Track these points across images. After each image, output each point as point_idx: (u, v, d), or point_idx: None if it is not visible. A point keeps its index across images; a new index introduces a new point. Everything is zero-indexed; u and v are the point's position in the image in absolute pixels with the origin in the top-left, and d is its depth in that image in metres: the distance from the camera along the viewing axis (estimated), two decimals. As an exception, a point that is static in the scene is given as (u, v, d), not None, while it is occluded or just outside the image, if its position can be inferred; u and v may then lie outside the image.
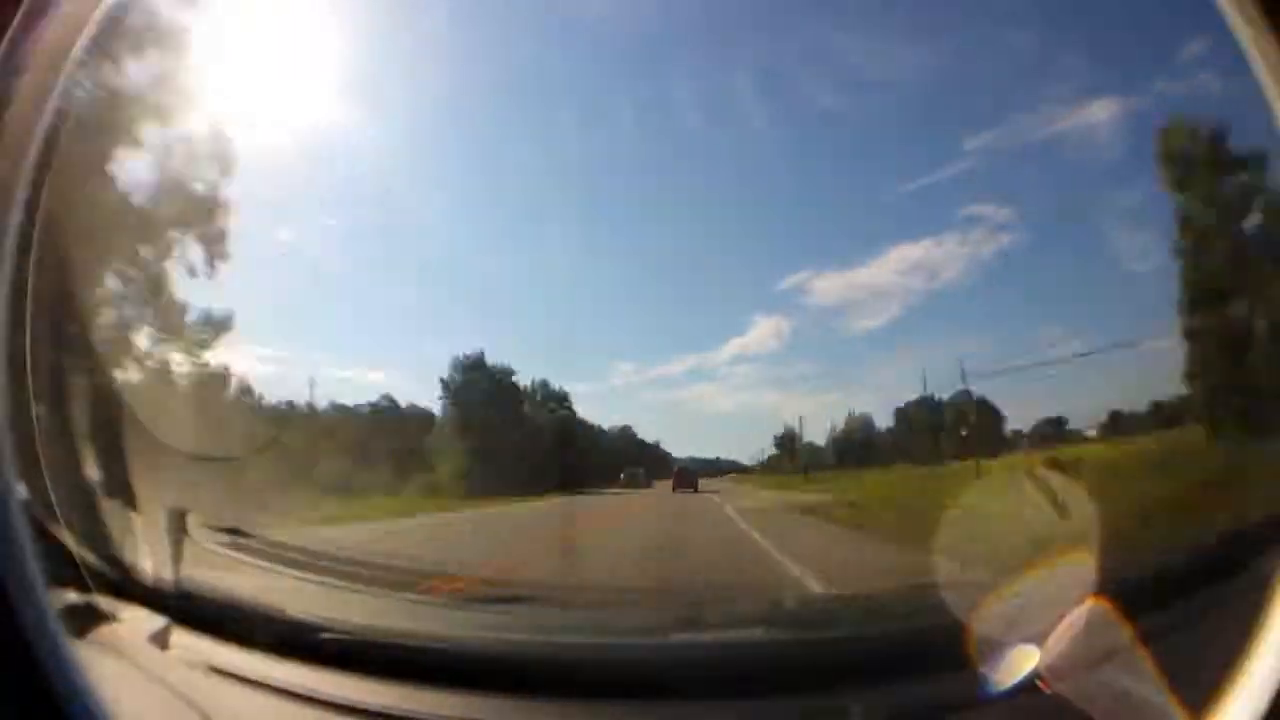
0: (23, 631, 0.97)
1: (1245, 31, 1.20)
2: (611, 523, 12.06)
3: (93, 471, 2.52)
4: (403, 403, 18.94)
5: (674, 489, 19.76)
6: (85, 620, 1.62)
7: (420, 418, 18.58)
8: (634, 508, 14.89)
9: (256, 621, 1.79)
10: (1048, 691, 1.34)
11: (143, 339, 12.05)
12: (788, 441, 21.47)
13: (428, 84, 16.44)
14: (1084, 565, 1.67)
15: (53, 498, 1.65)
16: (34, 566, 1.01)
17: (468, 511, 14.03)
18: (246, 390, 14.09)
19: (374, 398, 18.61)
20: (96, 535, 2.00)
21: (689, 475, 20.61)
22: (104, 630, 1.66)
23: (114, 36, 1.33)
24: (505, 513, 14.02)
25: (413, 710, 1.45)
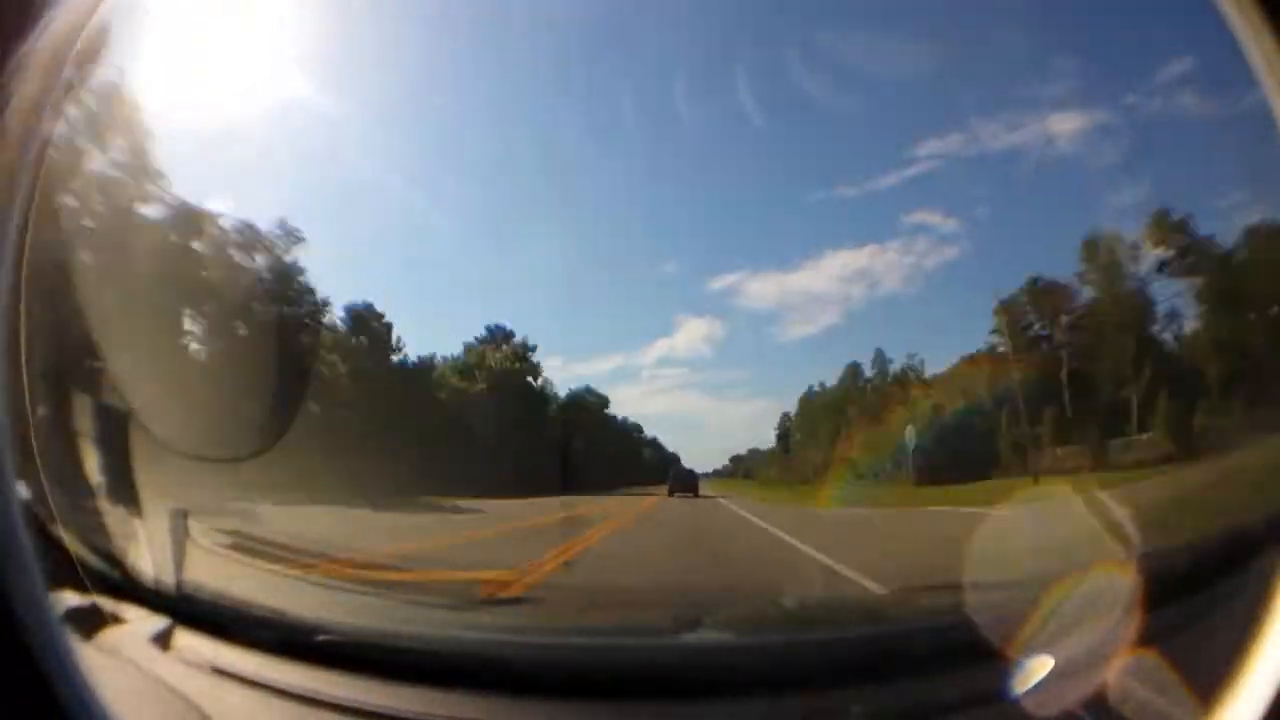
0: (23, 632, 0.96)
1: (1245, 31, 1.20)
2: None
3: (93, 471, 2.52)
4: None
5: (670, 493, 19.16)
6: (87, 621, 1.62)
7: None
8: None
9: (259, 622, 1.78)
10: (1047, 691, 1.34)
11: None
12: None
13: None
14: (1085, 566, 1.67)
15: (53, 498, 1.65)
16: (34, 567, 1.01)
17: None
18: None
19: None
20: (97, 536, 2.00)
21: (689, 478, 19.85)
22: (105, 631, 1.66)
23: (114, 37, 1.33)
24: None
25: (415, 711, 1.44)
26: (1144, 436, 16.25)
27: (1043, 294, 19.28)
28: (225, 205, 18.04)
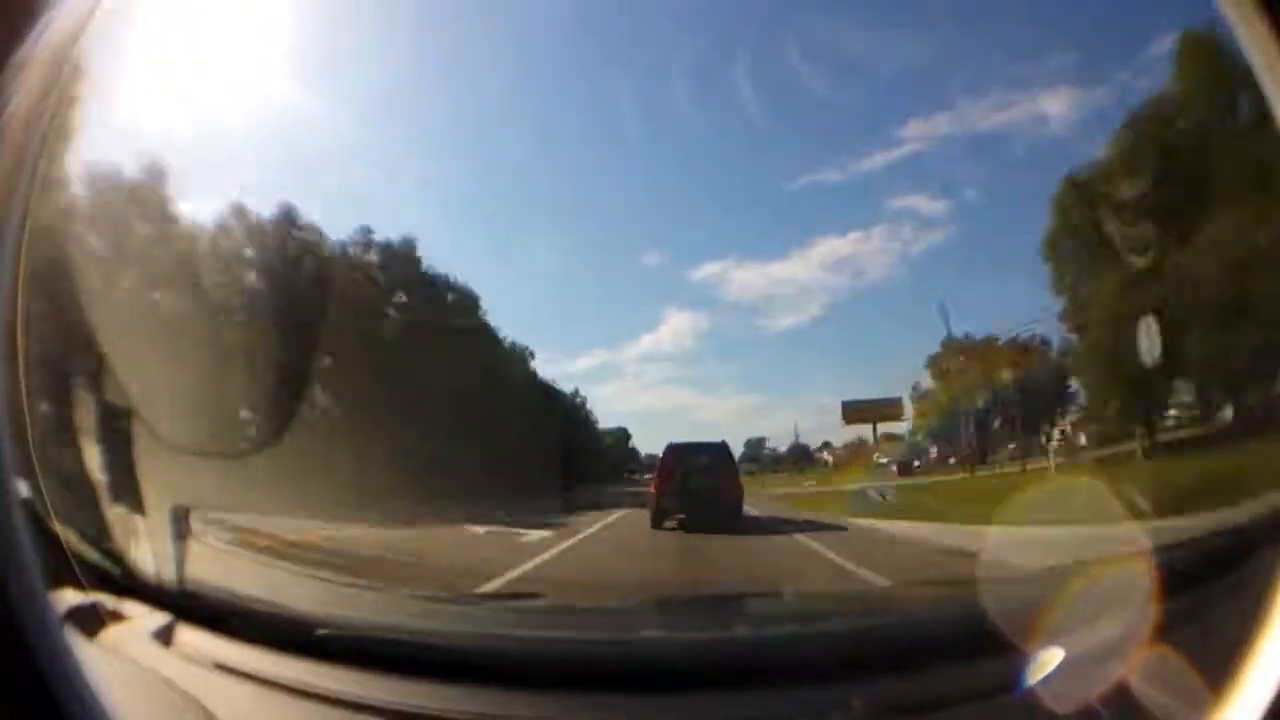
0: (23, 632, 0.96)
1: (1245, 31, 1.20)
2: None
3: (93, 469, 2.52)
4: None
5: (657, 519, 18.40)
6: (87, 619, 1.62)
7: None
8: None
9: (261, 618, 1.78)
10: (1048, 687, 1.35)
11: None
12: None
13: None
14: (1085, 564, 1.67)
15: (52, 495, 1.65)
16: (34, 566, 1.01)
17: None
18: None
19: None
20: (98, 533, 2.00)
21: (709, 479, 19.29)
22: (106, 629, 1.66)
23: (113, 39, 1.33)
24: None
25: (419, 706, 1.45)
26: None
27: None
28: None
